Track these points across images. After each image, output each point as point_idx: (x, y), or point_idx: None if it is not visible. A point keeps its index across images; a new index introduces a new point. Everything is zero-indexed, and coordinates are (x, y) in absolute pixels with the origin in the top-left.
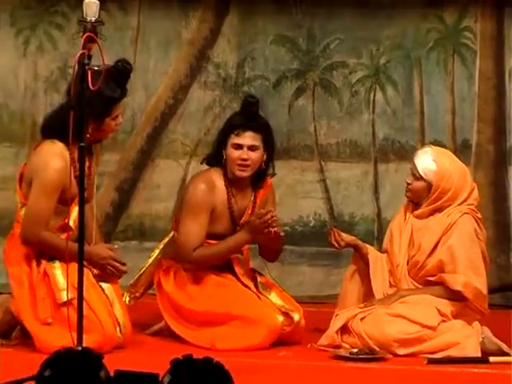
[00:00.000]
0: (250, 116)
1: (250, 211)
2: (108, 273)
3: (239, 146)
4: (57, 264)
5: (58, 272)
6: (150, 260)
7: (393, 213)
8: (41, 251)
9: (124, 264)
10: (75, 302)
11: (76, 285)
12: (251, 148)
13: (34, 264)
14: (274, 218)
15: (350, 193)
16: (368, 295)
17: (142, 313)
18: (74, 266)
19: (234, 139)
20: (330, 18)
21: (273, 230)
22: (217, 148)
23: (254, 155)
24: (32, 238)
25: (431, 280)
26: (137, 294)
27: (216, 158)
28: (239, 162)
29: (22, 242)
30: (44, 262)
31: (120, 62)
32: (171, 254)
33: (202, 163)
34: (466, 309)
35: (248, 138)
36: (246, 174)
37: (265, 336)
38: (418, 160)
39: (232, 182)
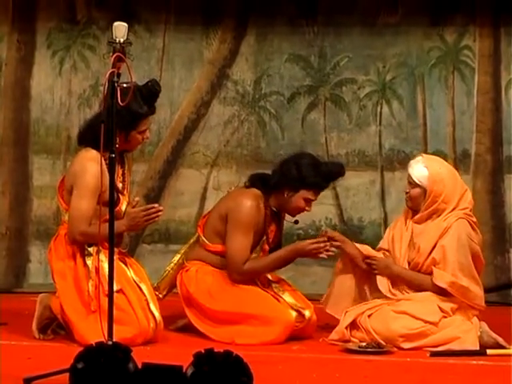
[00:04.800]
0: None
1: (274, 228)
2: (149, 220)
3: (309, 201)
4: (103, 257)
5: (106, 265)
6: (172, 264)
7: (398, 217)
8: (87, 247)
9: (153, 207)
10: (117, 295)
11: (120, 279)
12: None
13: (80, 260)
14: (327, 247)
15: (359, 199)
16: (363, 294)
17: (167, 310)
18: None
19: (311, 195)
20: (340, 37)
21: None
22: (280, 185)
23: None
24: (77, 236)
25: None
26: (160, 296)
27: (270, 187)
28: (302, 211)
29: (70, 242)
30: (92, 258)
31: (151, 82)
32: (194, 256)
33: (247, 185)
34: (465, 305)
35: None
36: None
37: (280, 332)
38: (412, 169)
39: (269, 207)
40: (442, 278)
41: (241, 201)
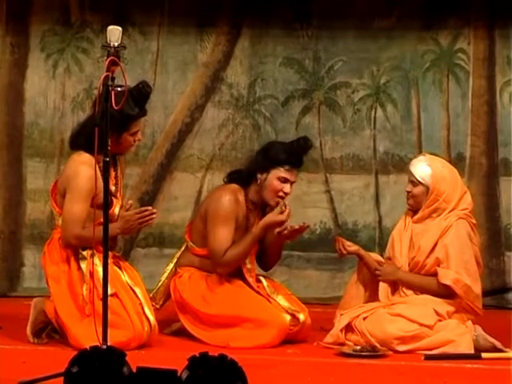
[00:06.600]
0: (303, 156)
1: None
2: (143, 222)
3: (286, 180)
4: (97, 261)
5: (100, 269)
6: (166, 273)
7: (392, 221)
8: (81, 251)
9: (147, 209)
10: (112, 299)
11: (115, 283)
12: (292, 183)
13: (74, 264)
14: (287, 224)
15: (353, 203)
16: (371, 300)
17: (162, 314)
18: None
19: (283, 173)
20: (334, 41)
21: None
22: (252, 171)
23: (291, 189)
24: (71, 240)
25: None
26: (157, 306)
27: (245, 178)
28: (281, 194)
29: (64, 245)
30: (86, 261)
31: (141, 83)
32: (185, 262)
33: (226, 182)
34: (461, 309)
35: (295, 175)
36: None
37: (274, 336)
38: (414, 168)
39: (250, 200)
40: (446, 276)
41: (218, 196)
